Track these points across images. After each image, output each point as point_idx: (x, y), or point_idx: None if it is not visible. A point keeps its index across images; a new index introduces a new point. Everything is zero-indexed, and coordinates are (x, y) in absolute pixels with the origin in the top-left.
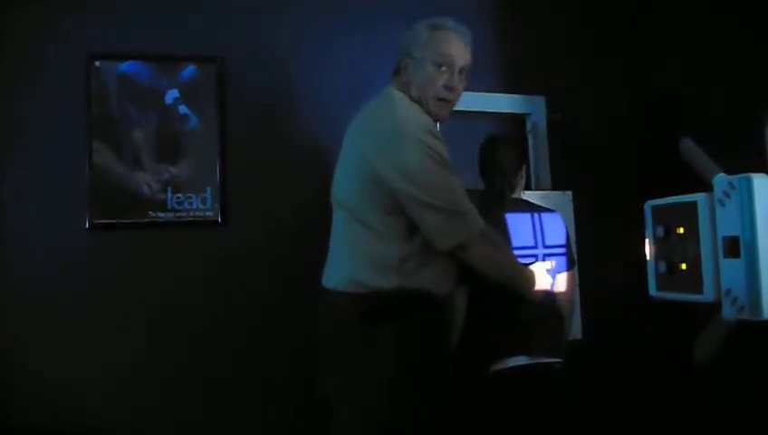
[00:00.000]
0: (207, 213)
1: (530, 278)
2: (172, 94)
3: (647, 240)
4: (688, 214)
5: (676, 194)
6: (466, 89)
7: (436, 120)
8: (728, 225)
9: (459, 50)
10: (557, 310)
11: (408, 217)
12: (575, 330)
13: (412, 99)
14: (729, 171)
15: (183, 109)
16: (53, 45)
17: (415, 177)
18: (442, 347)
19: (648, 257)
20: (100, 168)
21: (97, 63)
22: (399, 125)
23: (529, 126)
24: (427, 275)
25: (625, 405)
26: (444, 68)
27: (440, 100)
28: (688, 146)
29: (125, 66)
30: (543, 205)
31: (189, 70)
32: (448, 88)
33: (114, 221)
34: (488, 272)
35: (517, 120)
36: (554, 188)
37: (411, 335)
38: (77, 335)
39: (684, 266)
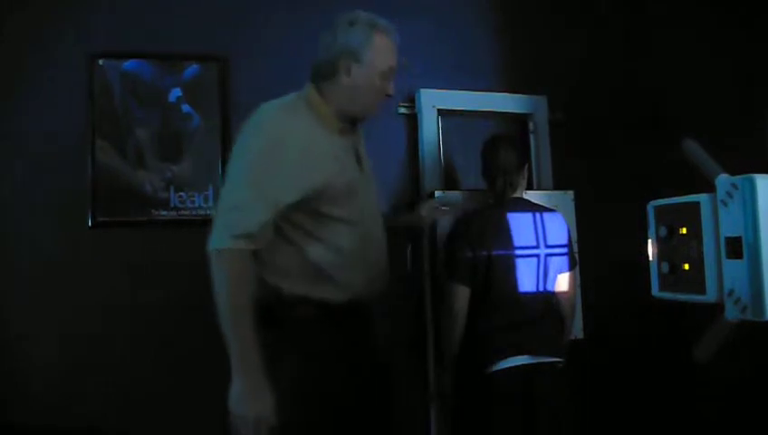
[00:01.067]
0: (209, 211)
1: (236, 340)
2: (175, 93)
3: (649, 240)
4: (691, 214)
5: (679, 194)
6: (469, 89)
7: (366, 119)
8: (731, 225)
9: (395, 54)
10: (558, 310)
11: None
12: (576, 330)
13: (337, 102)
14: (731, 172)
15: (186, 107)
16: (57, 44)
17: (227, 171)
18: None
19: (650, 258)
20: (102, 166)
21: (100, 62)
22: (251, 124)
23: (531, 126)
24: (282, 276)
25: (626, 405)
26: (386, 74)
27: (379, 104)
28: (691, 146)
29: (128, 65)
30: (545, 205)
31: (192, 69)
32: (387, 93)
33: (117, 219)
34: (214, 291)
35: (519, 120)
36: (556, 188)
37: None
38: (79, 334)
39: (686, 267)
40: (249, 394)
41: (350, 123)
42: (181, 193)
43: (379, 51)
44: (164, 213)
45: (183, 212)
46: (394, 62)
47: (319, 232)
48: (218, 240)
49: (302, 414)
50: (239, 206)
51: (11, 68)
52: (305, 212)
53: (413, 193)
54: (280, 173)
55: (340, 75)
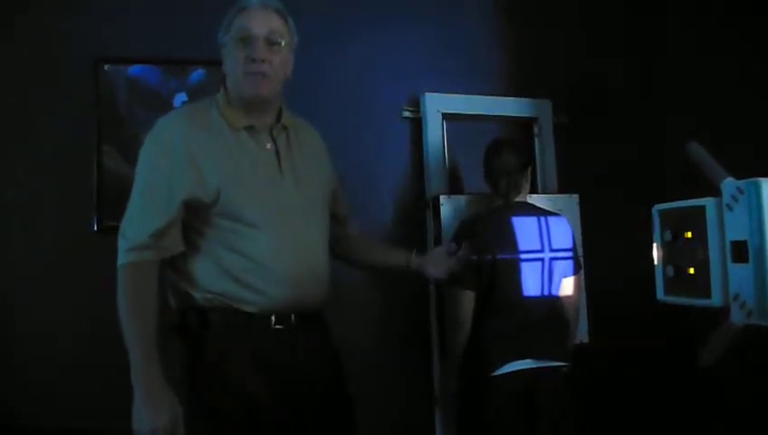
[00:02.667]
0: None
1: (134, 353)
2: (180, 98)
3: (654, 244)
4: (696, 218)
5: (684, 198)
6: (474, 93)
7: (257, 99)
8: (736, 229)
9: (259, 20)
10: (563, 314)
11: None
12: (581, 334)
13: (229, 91)
14: (737, 175)
15: None
16: (63, 49)
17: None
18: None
19: (655, 262)
20: (108, 170)
21: (106, 67)
22: (148, 135)
23: (535, 129)
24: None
25: (631, 409)
26: (243, 42)
27: (249, 74)
28: (696, 150)
29: (133, 70)
30: (550, 208)
31: (197, 73)
32: (252, 59)
33: None
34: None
35: (524, 124)
36: (561, 192)
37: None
38: (84, 338)
39: (692, 271)
40: (146, 408)
41: (275, 119)
42: None
43: (234, 24)
44: None
45: None
46: (247, 23)
47: (223, 237)
48: (119, 258)
49: (203, 425)
50: (131, 217)
51: (17, 73)
52: (206, 216)
53: (417, 198)
54: (166, 177)
55: (222, 68)
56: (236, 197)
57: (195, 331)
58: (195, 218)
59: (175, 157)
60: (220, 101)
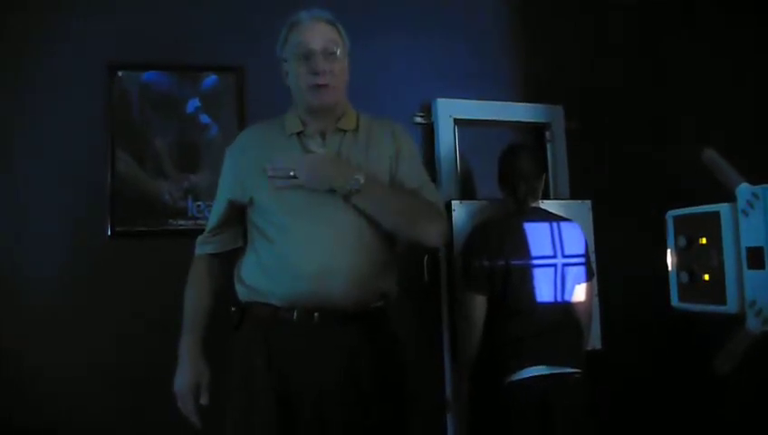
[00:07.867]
0: None
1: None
2: (193, 104)
3: (668, 250)
4: (711, 224)
5: (699, 204)
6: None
7: (319, 108)
8: (752, 235)
9: (314, 33)
10: (576, 320)
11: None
12: (594, 340)
13: (295, 101)
14: (752, 181)
15: (204, 118)
16: (76, 55)
17: None
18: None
19: (669, 268)
20: (122, 176)
21: (119, 73)
22: None
23: (548, 135)
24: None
25: (644, 415)
26: (303, 57)
27: (312, 87)
28: (711, 156)
29: (147, 76)
30: (562, 214)
31: (210, 79)
32: (313, 72)
33: (135, 229)
34: None
35: (536, 130)
36: (573, 198)
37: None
38: (97, 343)
39: (706, 277)
40: (177, 372)
41: (334, 123)
42: (199, 203)
43: (293, 40)
44: (182, 223)
45: (201, 221)
46: (303, 37)
47: (259, 234)
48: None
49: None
50: (211, 217)
51: (30, 80)
52: (250, 216)
53: None
54: (224, 184)
55: (285, 81)
56: (266, 201)
57: (236, 325)
58: (247, 218)
59: (230, 167)
60: (289, 110)
